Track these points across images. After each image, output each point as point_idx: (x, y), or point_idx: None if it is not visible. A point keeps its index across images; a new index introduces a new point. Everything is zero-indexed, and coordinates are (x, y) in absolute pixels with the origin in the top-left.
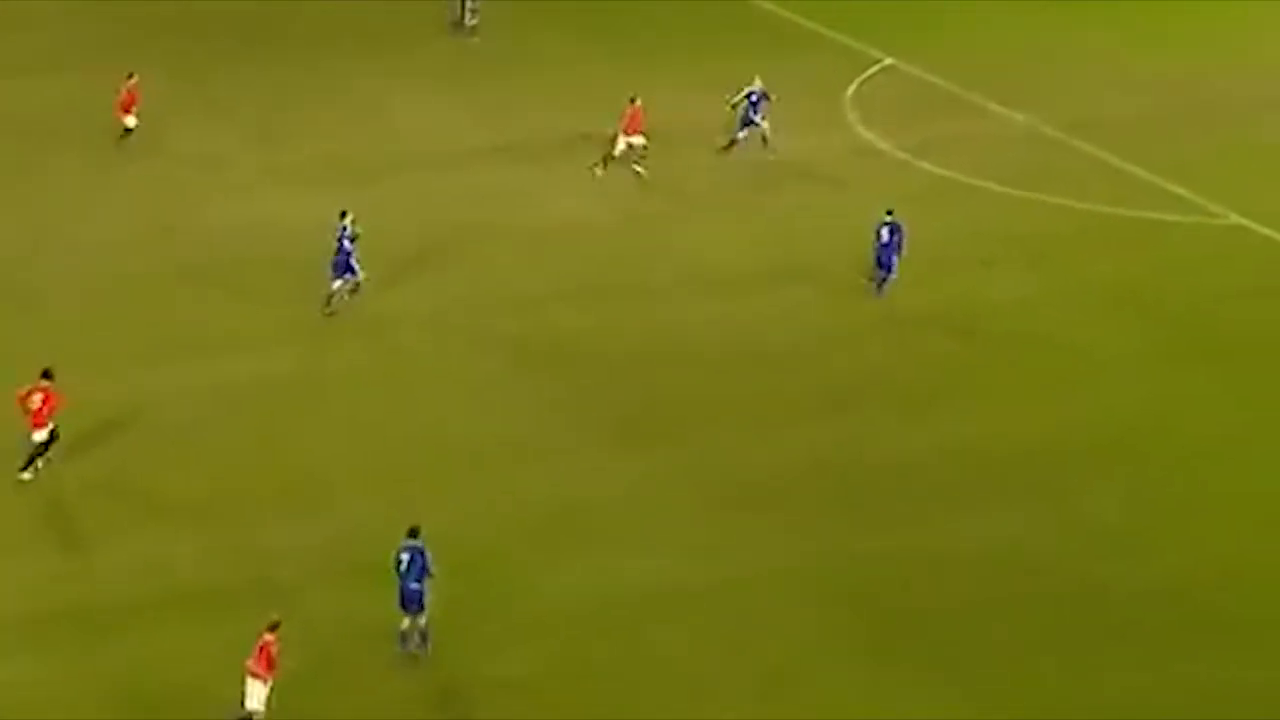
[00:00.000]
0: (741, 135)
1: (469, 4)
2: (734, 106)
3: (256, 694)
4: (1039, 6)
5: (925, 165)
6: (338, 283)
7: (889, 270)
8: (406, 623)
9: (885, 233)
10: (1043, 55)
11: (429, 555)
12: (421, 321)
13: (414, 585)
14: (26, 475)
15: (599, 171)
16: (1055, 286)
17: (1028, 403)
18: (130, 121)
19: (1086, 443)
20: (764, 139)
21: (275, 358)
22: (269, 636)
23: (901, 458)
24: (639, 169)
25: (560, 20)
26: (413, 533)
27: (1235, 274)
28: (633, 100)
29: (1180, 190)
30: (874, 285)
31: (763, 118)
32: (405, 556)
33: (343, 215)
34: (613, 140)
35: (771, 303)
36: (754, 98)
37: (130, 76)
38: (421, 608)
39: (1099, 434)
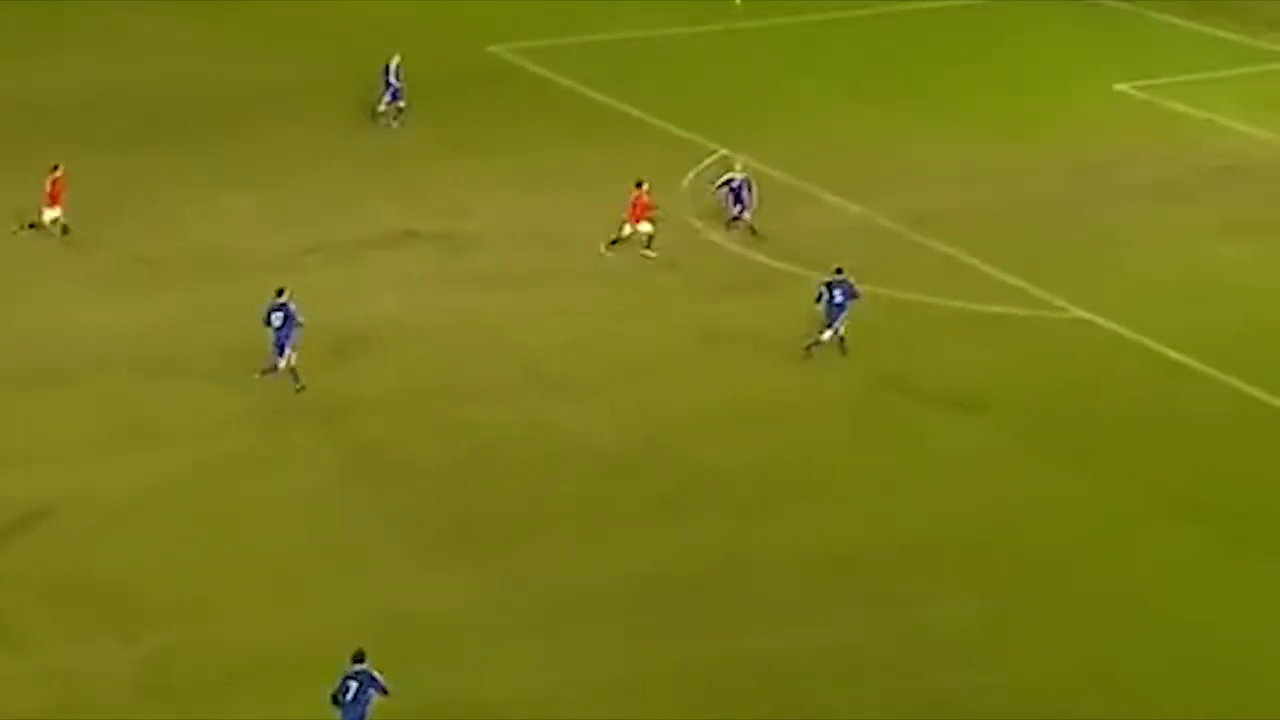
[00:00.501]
0: (747, 217)
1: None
2: (715, 192)
3: None
4: (874, 99)
5: (760, 258)
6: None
7: (835, 329)
8: None
9: (838, 294)
10: (878, 147)
11: (380, 677)
12: (245, 426)
13: (362, 709)
14: None
15: (607, 253)
16: (897, 382)
17: (868, 502)
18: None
19: (933, 543)
20: (751, 229)
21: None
22: None
23: (737, 561)
24: (648, 254)
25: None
26: (358, 658)
27: (1081, 367)
28: (638, 185)
29: (1021, 283)
30: (819, 343)
31: (744, 209)
32: (353, 684)
33: (279, 293)
34: (620, 226)
35: (601, 403)
36: (735, 184)
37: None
38: None
39: (946, 534)
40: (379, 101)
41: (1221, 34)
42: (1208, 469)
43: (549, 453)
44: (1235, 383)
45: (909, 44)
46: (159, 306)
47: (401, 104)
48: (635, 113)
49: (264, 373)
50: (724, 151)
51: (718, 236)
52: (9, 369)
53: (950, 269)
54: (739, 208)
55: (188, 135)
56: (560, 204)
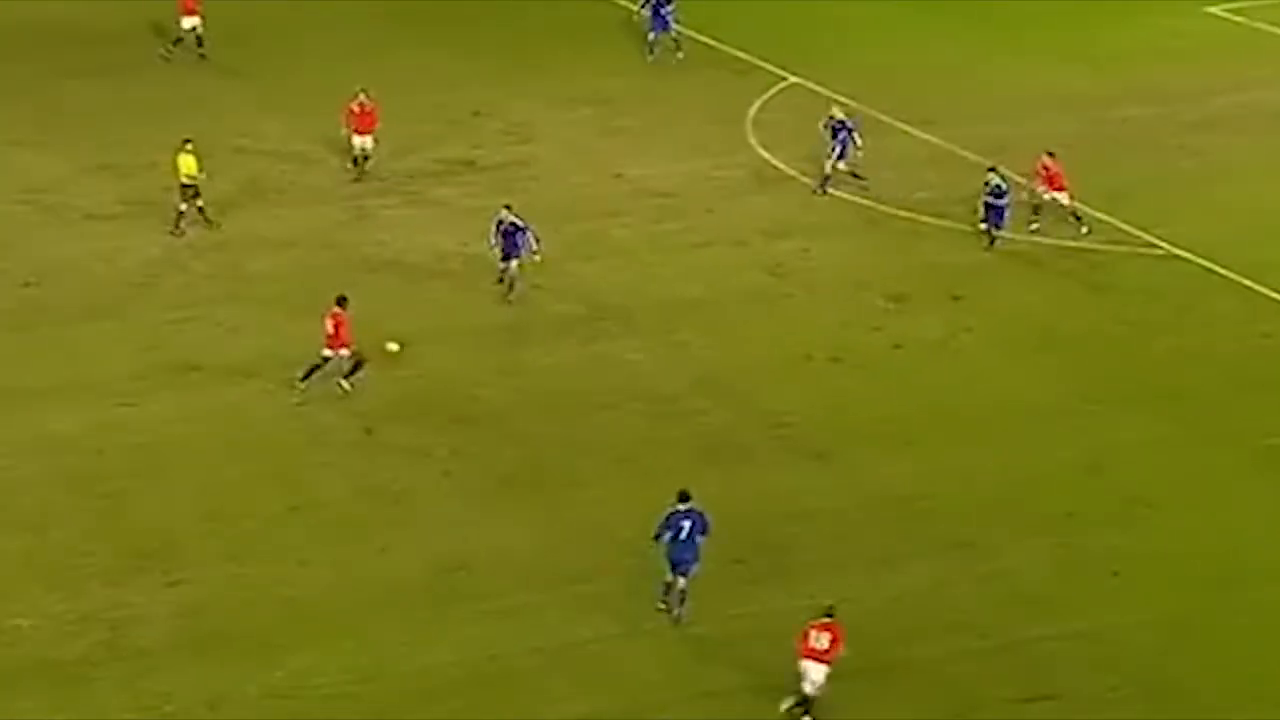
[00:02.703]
0: (840, 166)
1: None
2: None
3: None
4: (950, 27)
5: (832, 190)
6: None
7: (1000, 224)
8: (676, 580)
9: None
10: (955, 75)
11: (707, 516)
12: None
13: (697, 541)
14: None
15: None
16: (975, 323)
17: (941, 449)
18: None
19: (1008, 493)
20: (853, 173)
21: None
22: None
23: (809, 507)
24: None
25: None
26: (684, 497)
27: (1172, 306)
28: (1050, 155)
29: (1107, 217)
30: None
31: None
32: (685, 523)
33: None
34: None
35: (664, 342)
36: (835, 127)
37: None
38: (695, 562)
39: (1023, 483)
40: None
41: None
42: None
43: (609, 393)
44: None
45: None
46: (203, 236)
47: None
48: (698, 36)
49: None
50: (793, 79)
51: (791, 169)
52: (56, 300)
53: (1031, 202)
54: (839, 151)
55: (229, 61)
56: (615, 132)
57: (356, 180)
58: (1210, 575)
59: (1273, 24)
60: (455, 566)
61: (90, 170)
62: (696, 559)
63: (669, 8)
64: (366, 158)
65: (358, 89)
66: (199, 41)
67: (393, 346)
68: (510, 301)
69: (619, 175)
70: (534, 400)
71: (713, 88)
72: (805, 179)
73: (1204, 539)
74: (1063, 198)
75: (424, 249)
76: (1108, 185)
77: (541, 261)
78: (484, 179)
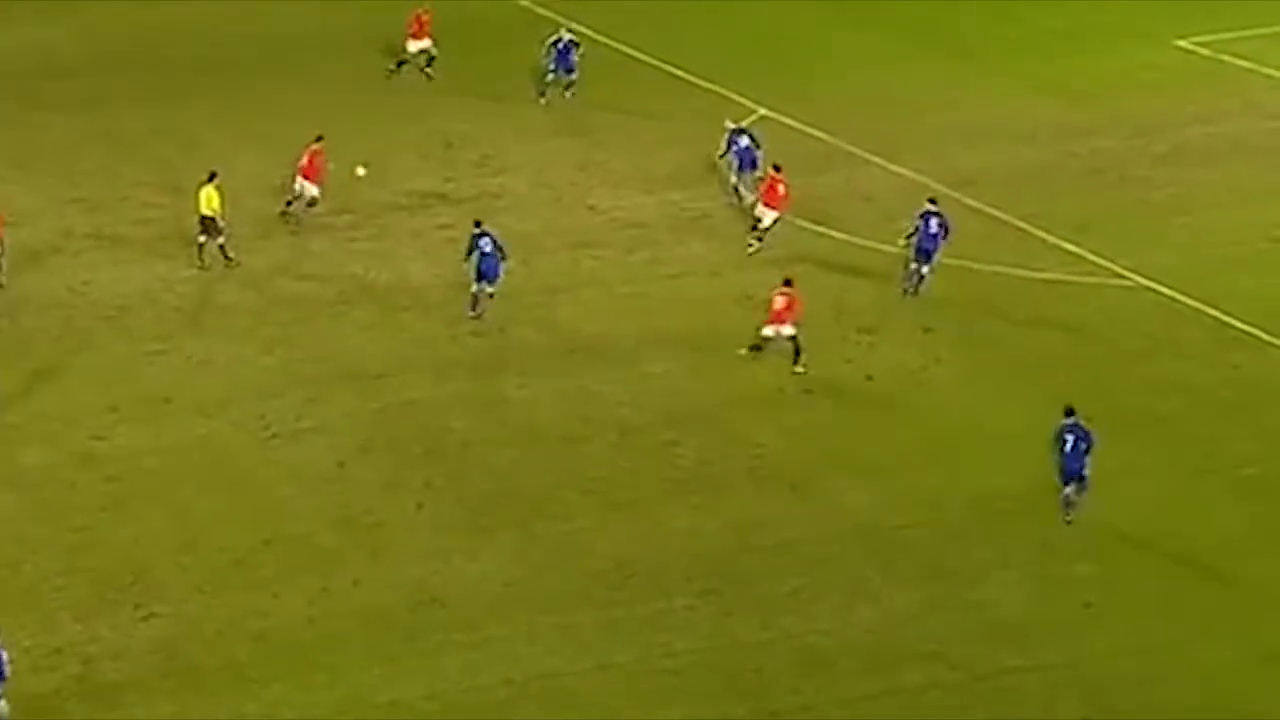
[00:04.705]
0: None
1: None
2: (722, 158)
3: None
4: (924, 58)
5: (803, 223)
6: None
7: (929, 259)
8: (1072, 489)
9: (933, 223)
10: (927, 107)
11: (1093, 433)
12: (271, 394)
13: (1082, 451)
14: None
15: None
16: (946, 354)
17: (913, 479)
18: None
19: (983, 521)
20: (737, 190)
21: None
22: None
23: (782, 538)
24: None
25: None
26: (1069, 412)
27: (1139, 337)
28: (776, 169)
29: (1076, 249)
30: (912, 278)
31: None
32: (1070, 436)
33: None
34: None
35: (636, 374)
36: (735, 143)
37: None
38: (1084, 473)
39: (996, 511)
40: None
41: None
42: (1272, 443)
43: (582, 425)
44: None
45: None
46: (176, 268)
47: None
48: (672, 69)
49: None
50: (763, 112)
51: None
52: (27, 333)
53: (1000, 233)
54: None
55: (205, 91)
56: (590, 161)
57: (285, 218)
58: (1186, 605)
59: (1240, 57)
60: (428, 599)
61: (62, 203)
62: (1083, 469)
63: (576, 51)
64: (310, 204)
65: (316, 135)
66: (429, 62)
67: (360, 171)
68: (478, 317)
69: (592, 207)
70: (507, 432)
71: (685, 120)
72: (776, 210)
73: (1180, 569)
74: (769, 216)
75: (397, 281)
76: (1076, 216)
77: (515, 293)
78: (457, 211)
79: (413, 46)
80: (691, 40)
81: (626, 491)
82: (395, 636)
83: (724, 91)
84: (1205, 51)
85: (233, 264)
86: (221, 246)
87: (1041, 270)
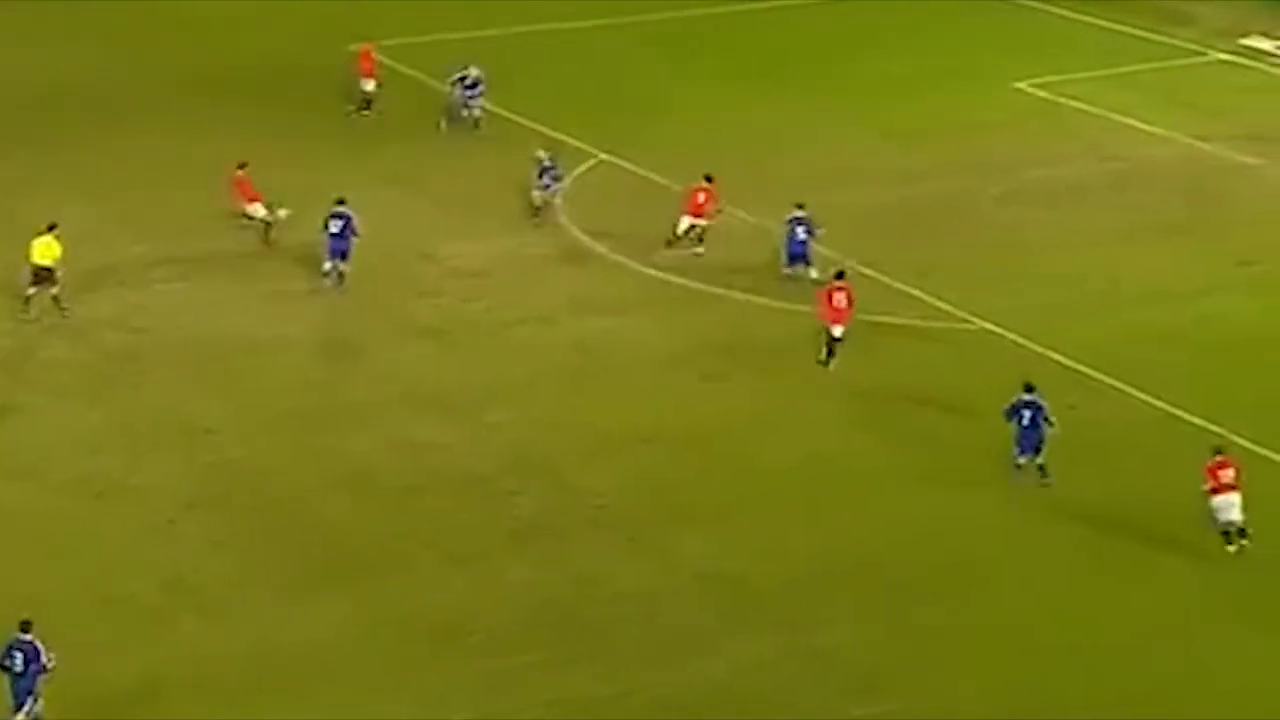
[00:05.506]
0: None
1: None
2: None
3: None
4: (757, 100)
5: (644, 269)
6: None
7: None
8: (1027, 460)
9: (800, 230)
10: (762, 150)
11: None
12: (97, 450)
13: (1040, 425)
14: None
15: (666, 251)
16: (790, 399)
17: (763, 527)
18: None
19: (827, 568)
20: (536, 208)
21: None
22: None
23: (624, 589)
24: (698, 250)
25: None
26: (1028, 388)
27: (979, 379)
28: (708, 179)
29: (916, 292)
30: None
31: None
32: (1027, 411)
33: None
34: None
35: (472, 424)
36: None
37: None
38: (1041, 445)
39: (840, 559)
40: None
41: (1123, 29)
42: (1114, 485)
43: (419, 476)
44: (1135, 392)
45: (795, 41)
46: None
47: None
48: (508, 115)
49: (325, 275)
50: (603, 156)
51: (601, 246)
52: None
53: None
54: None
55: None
56: (424, 211)
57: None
58: (1044, 647)
59: (1076, 99)
60: (260, 659)
61: None
62: (1042, 442)
63: (474, 91)
64: (268, 225)
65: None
66: (367, 104)
67: (282, 213)
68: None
69: (428, 255)
70: (341, 485)
71: (522, 165)
72: (616, 256)
73: (1034, 612)
74: (685, 223)
75: (225, 333)
76: (918, 260)
77: (350, 344)
78: (284, 261)
79: (367, 86)
80: (532, 90)
81: (466, 544)
82: (224, 700)
83: (564, 137)
84: (1043, 94)
85: (66, 314)
86: (55, 297)
87: (886, 315)
